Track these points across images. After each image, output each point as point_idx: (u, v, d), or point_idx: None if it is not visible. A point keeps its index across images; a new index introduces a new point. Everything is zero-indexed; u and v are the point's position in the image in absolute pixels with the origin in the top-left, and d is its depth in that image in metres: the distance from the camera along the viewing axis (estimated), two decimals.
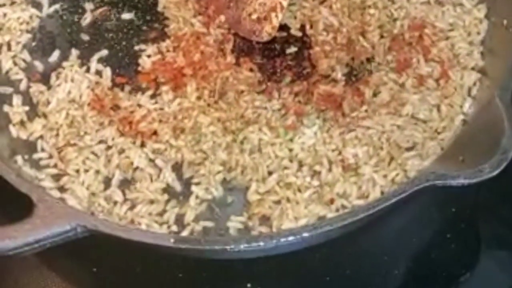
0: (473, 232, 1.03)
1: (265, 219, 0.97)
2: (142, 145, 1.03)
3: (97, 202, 0.98)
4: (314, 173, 0.99)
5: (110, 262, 1.00)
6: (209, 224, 0.97)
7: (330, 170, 0.99)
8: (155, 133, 1.03)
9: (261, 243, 0.88)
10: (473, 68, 1.06)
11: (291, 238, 0.88)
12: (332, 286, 0.99)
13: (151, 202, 0.99)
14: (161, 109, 1.05)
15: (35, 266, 1.01)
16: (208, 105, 1.05)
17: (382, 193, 0.96)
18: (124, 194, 0.99)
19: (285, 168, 1.00)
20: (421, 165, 0.97)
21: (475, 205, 1.03)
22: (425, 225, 1.03)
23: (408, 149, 1.00)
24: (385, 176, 0.97)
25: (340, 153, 1.00)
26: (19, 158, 1.01)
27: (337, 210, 0.96)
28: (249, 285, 0.98)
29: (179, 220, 0.97)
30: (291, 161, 1.00)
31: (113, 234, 0.88)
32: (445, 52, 1.06)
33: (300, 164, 1.00)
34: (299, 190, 0.97)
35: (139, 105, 1.06)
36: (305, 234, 0.88)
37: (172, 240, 0.88)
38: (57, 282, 1.02)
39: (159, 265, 0.99)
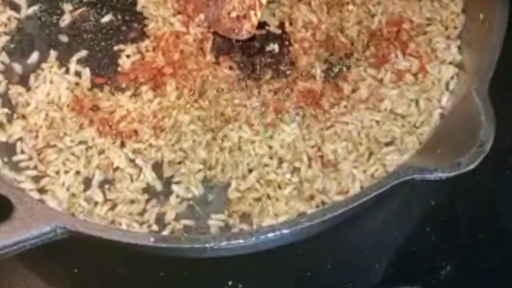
0: (452, 225, 1.03)
1: (245, 217, 0.97)
2: (122, 145, 1.02)
3: (78, 203, 0.98)
4: (294, 170, 0.99)
5: (91, 263, 1.00)
6: (190, 222, 0.97)
7: (309, 166, 0.99)
8: (135, 132, 1.03)
9: (241, 240, 0.88)
10: (450, 63, 1.06)
11: (270, 234, 0.88)
12: (314, 281, 0.99)
13: (132, 202, 0.99)
14: (141, 108, 1.05)
15: (17, 268, 1.01)
16: (188, 103, 1.05)
17: (361, 188, 0.97)
18: (104, 194, 0.99)
19: (265, 165, 1.00)
20: (400, 159, 0.98)
21: (454, 198, 1.04)
22: (405, 219, 1.03)
23: (387, 144, 1.00)
24: (364, 171, 0.98)
25: (319, 149, 1.00)
26: None
27: (317, 206, 0.96)
28: (230, 282, 0.99)
29: (160, 220, 0.98)
30: (271, 158, 1.00)
31: (92, 234, 0.88)
32: (422, 47, 1.07)
33: (280, 161, 1.00)
34: (279, 187, 0.98)
35: (119, 105, 1.05)
36: (285, 231, 0.88)
37: (152, 239, 0.88)
38: (39, 283, 1.01)
39: (141, 265, 0.99)
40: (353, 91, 1.04)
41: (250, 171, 0.99)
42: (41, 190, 0.99)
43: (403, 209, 1.03)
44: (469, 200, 1.03)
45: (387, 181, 0.90)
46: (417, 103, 1.03)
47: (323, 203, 0.96)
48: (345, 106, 1.03)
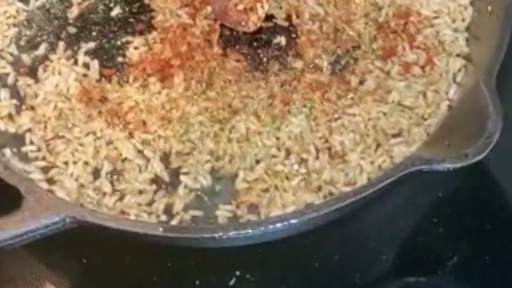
0: (460, 216, 1.03)
1: (253, 207, 0.97)
2: (130, 136, 1.03)
3: (86, 193, 0.98)
4: (302, 161, 0.99)
5: (99, 253, 1.01)
6: (198, 213, 0.98)
7: (317, 157, 0.99)
8: (143, 123, 1.03)
9: (249, 230, 0.89)
10: (458, 55, 1.06)
11: (278, 225, 0.88)
12: (321, 272, 0.99)
13: (140, 192, 0.99)
14: (149, 100, 1.05)
15: (25, 258, 1.01)
16: (196, 95, 1.05)
17: (369, 179, 0.97)
18: (112, 185, 0.99)
19: (273, 156, 1.00)
20: (408, 151, 0.98)
21: (461, 190, 1.04)
22: (412, 210, 1.04)
23: (394, 135, 1.00)
24: (372, 162, 0.98)
25: (327, 140, 1.00)
26: (7, 151, 1.01)
27: (325, 197, 0.96)
28: (238, 273, 0.99)
29: (168, 210, 0.98)
30: (278, 149, 1.01)
31: (101, 224, 0.89)
32: (430, 39, 1.07)
33: (288, 152, 1.00)
34: (287, 178, 0.98)
35: (127, 97, 1.06)
36: (293, 221, 0.89)
37: (160, 229, 0.89)
38: (47, 274, 1.02)
39: (149, 255, 0.99)
40: (360, 83, 1.04)
41: (258, 162, 1.00)
42: (50, 181, 0.99)
43: (410, 201, 1.03)
44: (477, 192, 1.03)
45: (395, 172, 0.90)
46: (424, 95, 1.03)
47: (330, 194, 0.97)
48: (352, 98, 1.03)
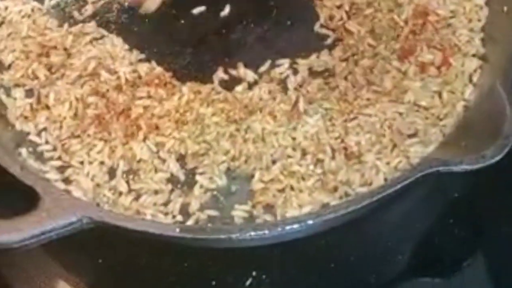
0: (476, 217, 1.03)
1: (269, 207, 0.97)
2: (145, 138, 1.02)
3: (102, 193, 0.98)
4: (317, 161, 0.99)
5: (115, 252, 1.01)
6: (214, 213, 0.97)
7: (333, 158, 0.99)
8: (156, 127, 1.03)
9: (266, 231, 0.89)
10: (474, 55, 1.06)
11: (296, 225, 0.89)
12: (337, 272, 0.99)
13: (156, 192, 0.99)
14: (162, 103, 1.05)
15: (41, 257, 1.01)
16: (210, 96, 1.05)
17: (385, 180, 0.96)
18: (128, 184, 0.99)
19: (289, 156, 1.00)
20: (424, 152, 0.97)
21: (477, 191, 1.03)
22: (428, 211, 1.03)
23: (410, 136, 1.00)
24: (388, 163, 0.98)
25: (342, 141, 1.00)
26: (23, 151, 1.01)
27: (341, 197, 0.96)
28: (254, 273, 0.99)
29: (184, 210, 0.97)
30: (294, 149, 1.00)
31: (118, 224, 0.89)
32: (446, 40, 1.06)
33: (304, 152, 1.00)
34: (303, 178, 0.98)
35: (139, 98, 1.06)
36: (310, 222, 0.89)
37: (177, 230, 0.89)
38: (62, 273, 1.02)
39: (164, 255, 0.99)
40: (378, 83, 1.04)
41: (274, 162, 1.00)
42: (66, 180, 0.99)
43: (426, 202, 1.03)
44: (493, 193, 1.03)
45: (413, 173, 0.90)
46: (440, 95, 1.03)
47: (346, 194, 0.96)
48: (368, 99, 1.03)
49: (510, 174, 1.02)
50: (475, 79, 1.04)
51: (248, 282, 0.98)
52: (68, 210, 0.89)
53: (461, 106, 1.02)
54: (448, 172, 0.88)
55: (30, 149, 1.02)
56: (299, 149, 1.00)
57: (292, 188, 0.97)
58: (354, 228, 0.98)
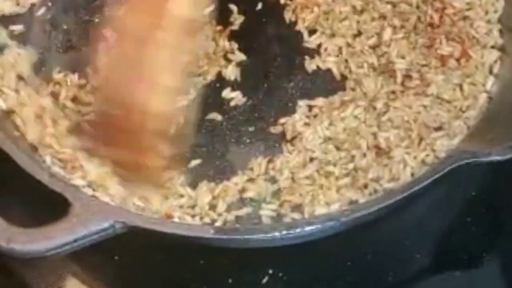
0: (493, 216, 1.03)
1: (296, 206, 0.97)
2: None
3: (130, 199, 0.96)
4: (351, 159, 0.99)
5: (131, 250, 0.99)
6: (241, 213, 0.97)
7: (364, 155, 0.99)
8: None
9: (298, 229, 0.88)
10: (492, 47, 1.06)
11: (329, 223, 0.88)
12: (354, 271, 0.99)
13: (182, 195, 0.99)
14: None
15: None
16: None
17: (412, 174, 0.97)
18: None
19: (324, 153, 1.00)
20: (450, 144, 0.98)
21: (494, 189, 1.04)
22: (446, 209, 1.03)
23: (436, 129, 1.00)
24: (415, 157, 0.98)
25: (375, 137, 1.00)
26: (47, 158, 0.99)
27: (370, 194, 0.96)
28: (270, 271, 0.98)
29: (211, 211, 0.97)
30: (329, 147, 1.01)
31: (154, 229, 0.88)
32: (464, 32, 1.07)
33: (338, 149, 1.00)
34: (336, 178, 0.98)
35: None
36: (343, 219, 0.88)
37: (211, 231, 0.89)
38: (78, 271, 1.01)
39: (180, 252, 0.98)
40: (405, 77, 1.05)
41: (311, 160, 1.00)
42: (93, 186, 0.97)
43: (444, 200, 1.03)
44: (510, 191, 1.03)
45: (442, 166, 0.90)
46: (461, 88, 1.03)
47: (375, 191, 0.96)
48: (394, 92, 1.03)
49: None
50: (495, 70, 1.05)
51: (264, 280, 0.98)
52: (100, 216, 0.88)
53: (483, 98, 1.02)
54: (476, 164, 0.89)
55: (55, 159, 1.00)
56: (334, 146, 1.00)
57: (321, 187, 0.97)
58: (371, 227, 0.97)
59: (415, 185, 0.89)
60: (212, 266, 0.99)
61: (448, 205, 1.03)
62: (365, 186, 0.96)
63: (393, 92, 1.03)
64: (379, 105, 1.02)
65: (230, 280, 0.99)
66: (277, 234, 0.88)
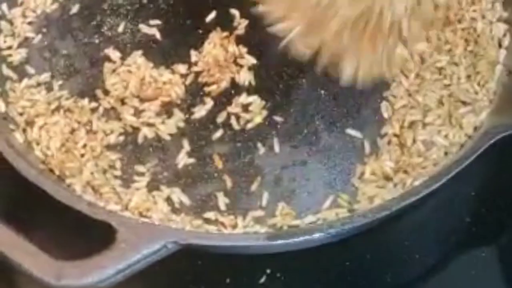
0: (493, 217, 1.03)
1: None
2: None
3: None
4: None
5: None
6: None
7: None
8: None
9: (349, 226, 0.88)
10: (498, 20, 1.08)
11: (368, 218, 0.88)
12: (352, 271, 0.98)
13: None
14: None
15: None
16: None
17: (445, 153, 0.97)
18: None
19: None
20: (477, 120, 0.98)
21: (494, 188, 1.04)
22: (445, 210, 1.02)
23: (464, 103, 1.01)
24: (446, 136, 0.98)
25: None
26: (77, 187, 0.96)
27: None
28: (268, 271, 0.97)
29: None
30: None
31: (207, 244, 0.87)
32: (469, 11, 1.08)
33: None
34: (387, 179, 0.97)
35: None
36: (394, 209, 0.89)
37: (263, 238, 0.88)
38: None
39: (178, 253, 0.92)
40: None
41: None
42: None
43: (443, 201, 1.01)
44: (509, 191, 1.03)
45: (482, 142, 0.91)
46: (474, 65, 1.04)
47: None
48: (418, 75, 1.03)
49: None
50: (506, 43, 1.06)
51: (262, 280, 0.97)
52: (149, 238, 0.85)
53: (499, 70, 1.03)
54: None
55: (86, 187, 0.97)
56: None
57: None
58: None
59: (460, 163, 0.89)
60: (210, 266, 0.97)
61: (448, 206, 1.02)
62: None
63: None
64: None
65: (228, 280, 0.97)
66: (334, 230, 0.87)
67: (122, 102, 1.03)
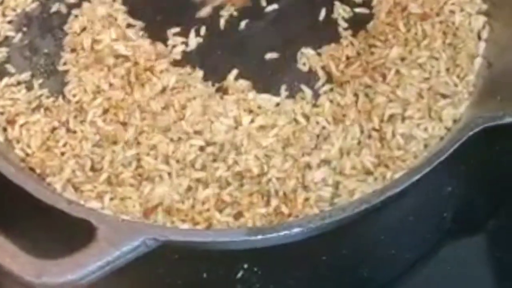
0: (470, 211, 1.04)
1: None
2: None
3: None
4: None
5: None
6: None
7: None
8: None
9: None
10: (477, 13, 1.08)
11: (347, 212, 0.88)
12: (329, 265, 0.98)
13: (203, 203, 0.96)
14: None
15: None
16: None
17: (425, 146, 0.97)
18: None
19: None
20: (456, 113, 0.99)
21: (471, 184, 1.04)
22: (422, 205, 1.02)
23: (444, 96, 1.01)
24: (425, 129, 0.98)
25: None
26: (58, 186, 0.96)
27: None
28: (245, 265, 0.97)
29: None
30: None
31: (187, 240, 0.86)
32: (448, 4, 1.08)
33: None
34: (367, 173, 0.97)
35: None
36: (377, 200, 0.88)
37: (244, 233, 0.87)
38: None
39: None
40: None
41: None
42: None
43: (421, 196, 1.01)
44: (484, 186, 1.04)
45: (460, 134, 0.90)
46: (454, 58, 1.04)
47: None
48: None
49: (498, 167, 1.04)
50: (485, 35, 1.06)
51: (239, 275, 0.97)
52: (129, 235, 0.85)
53: (478, 63, 1.03)
54: (497, 128, 0.90)
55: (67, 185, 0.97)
56: None
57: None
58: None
59: (439, 156, 0.89)
60: (186, 261, 0.96)
61: (426, 202, 1.02)
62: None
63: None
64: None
65: (205, 275, 0.97)
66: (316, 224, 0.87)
67: None
